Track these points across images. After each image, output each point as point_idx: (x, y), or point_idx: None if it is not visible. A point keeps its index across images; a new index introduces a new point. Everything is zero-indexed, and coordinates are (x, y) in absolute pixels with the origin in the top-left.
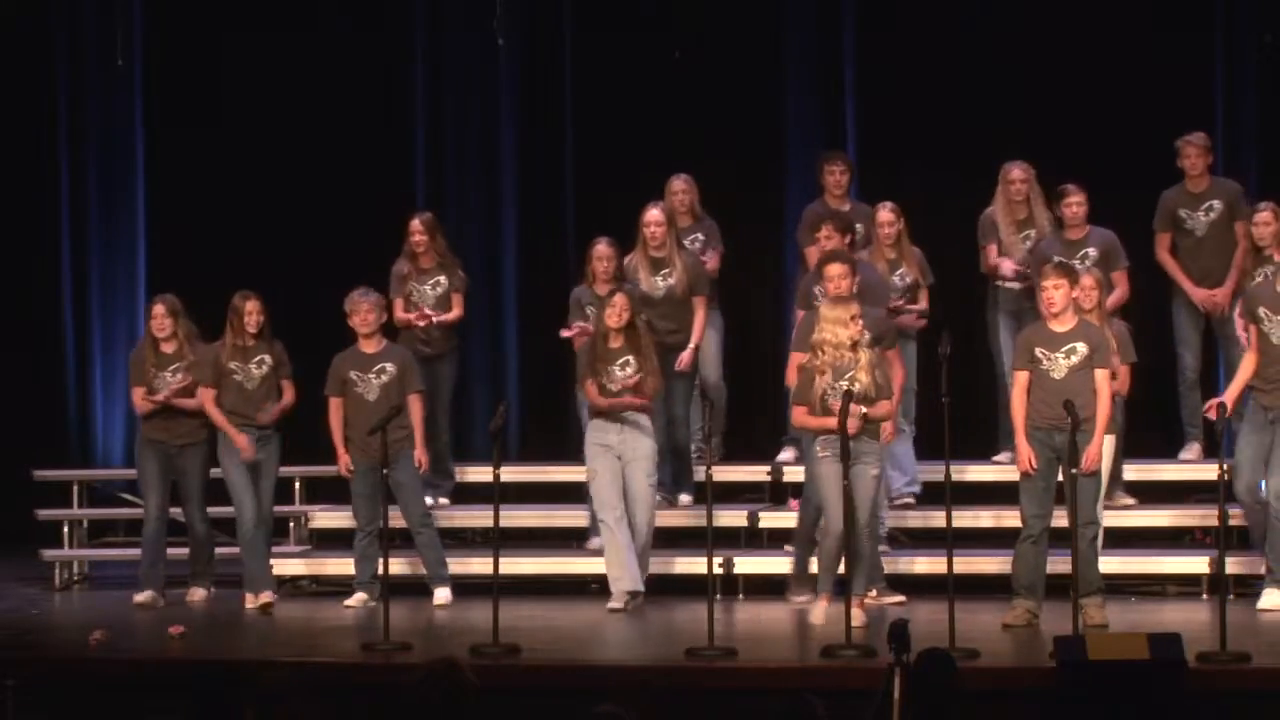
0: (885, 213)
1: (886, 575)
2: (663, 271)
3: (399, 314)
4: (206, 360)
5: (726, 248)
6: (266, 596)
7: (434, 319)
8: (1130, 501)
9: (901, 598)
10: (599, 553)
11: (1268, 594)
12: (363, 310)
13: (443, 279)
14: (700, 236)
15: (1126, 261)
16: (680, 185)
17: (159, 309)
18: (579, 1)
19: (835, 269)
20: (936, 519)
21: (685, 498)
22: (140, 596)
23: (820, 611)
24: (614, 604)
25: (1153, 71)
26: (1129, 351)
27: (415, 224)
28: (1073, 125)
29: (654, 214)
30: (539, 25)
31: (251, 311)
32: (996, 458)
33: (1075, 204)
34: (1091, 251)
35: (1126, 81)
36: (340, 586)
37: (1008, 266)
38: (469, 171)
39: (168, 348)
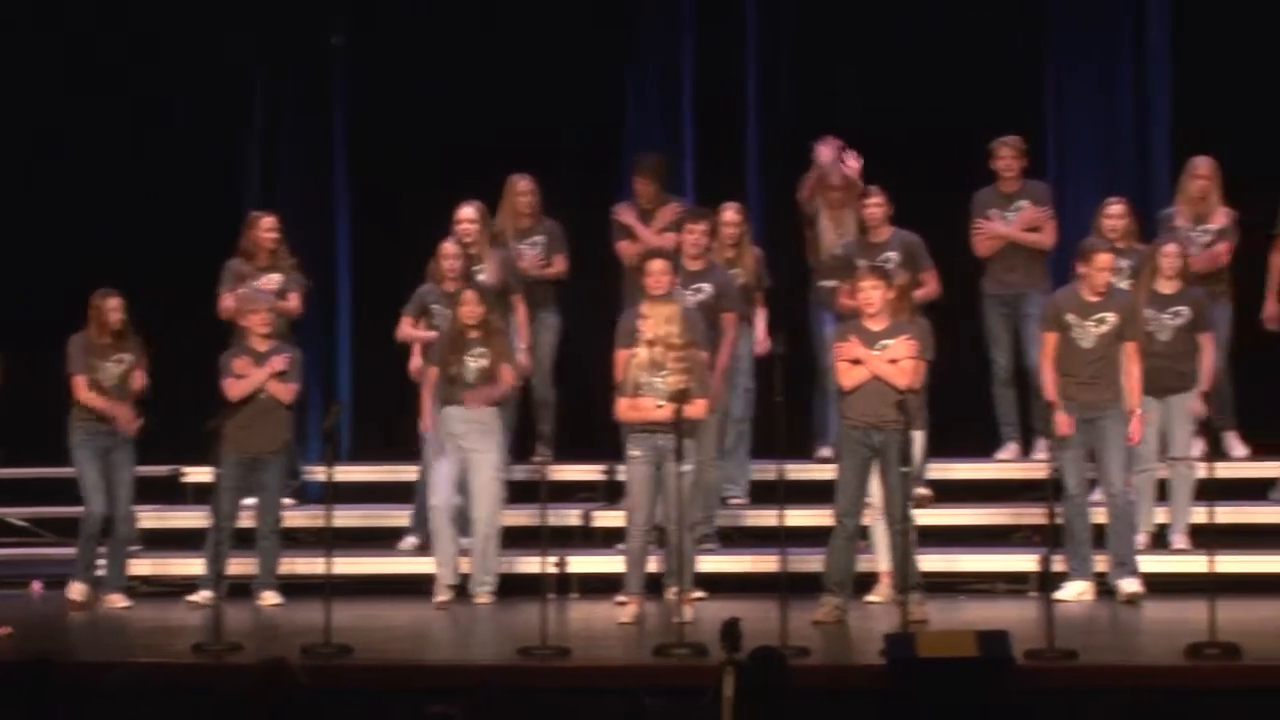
0: (730, 213)
1: (719, 574)
2: (474, 268)
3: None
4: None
5: (569, 246)
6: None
7: None
8: (926, 493)
9: (702, 594)
10: (409, 552)
11: (1071, 585)
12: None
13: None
14: (540, 239)
15: (931, 263)
16: (526, 185)
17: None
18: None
19: (656, 265)
20: (769, 517)
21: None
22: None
23: (628, 612)
24: (439, 598)
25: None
26: (927, 349)
27: (468, 212)
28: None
29: (467, 211)
30: (376, 23)
31: (114, 309)
32: (821, 452)
33: (874, 205)
34: (893, 255)
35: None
36: (170, 587)
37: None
38: (300, 170)
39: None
